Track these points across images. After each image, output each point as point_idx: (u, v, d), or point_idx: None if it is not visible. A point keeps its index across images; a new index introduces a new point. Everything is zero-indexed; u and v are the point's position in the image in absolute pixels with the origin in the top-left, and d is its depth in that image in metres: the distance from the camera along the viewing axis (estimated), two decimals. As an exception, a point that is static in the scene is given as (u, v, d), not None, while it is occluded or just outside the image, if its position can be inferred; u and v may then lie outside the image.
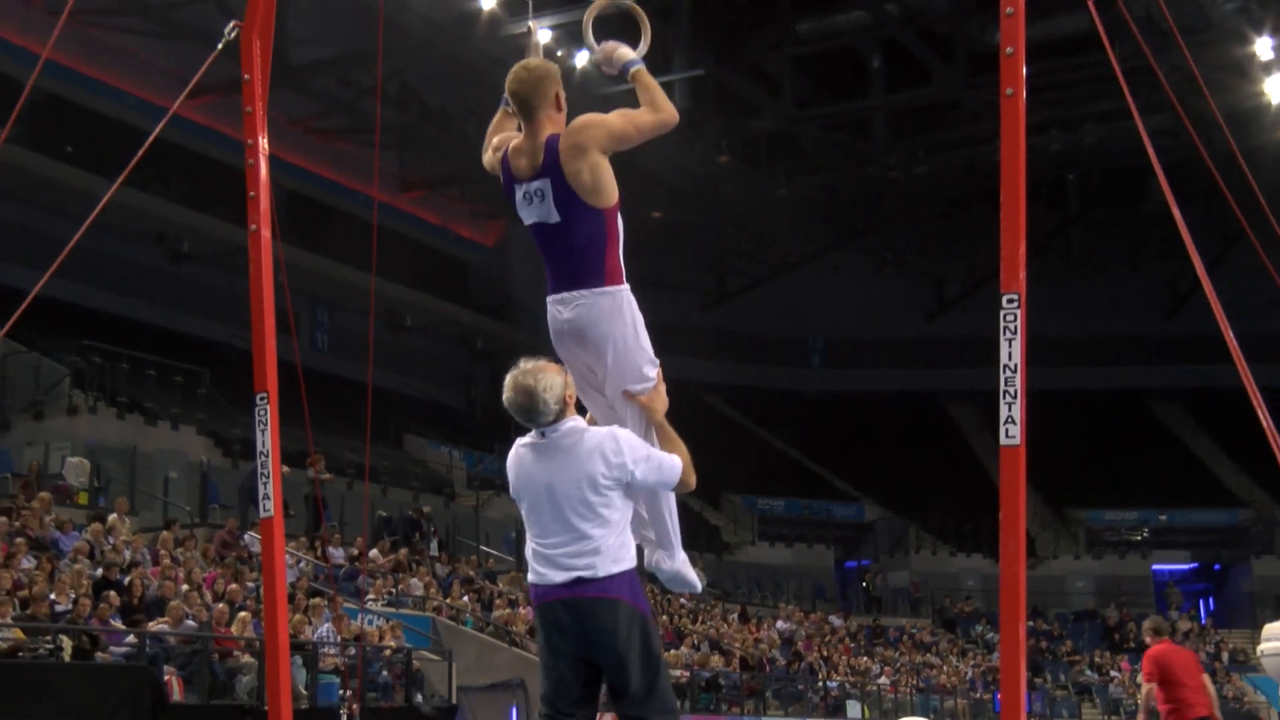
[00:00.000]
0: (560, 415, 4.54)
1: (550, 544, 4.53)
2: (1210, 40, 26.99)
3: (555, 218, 4.71)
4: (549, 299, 4.83)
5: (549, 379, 4.51)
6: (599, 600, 4.43)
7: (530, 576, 4.64)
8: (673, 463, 4.62)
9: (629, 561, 4.52)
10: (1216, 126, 25.08)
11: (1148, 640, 12.11)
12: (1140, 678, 11.70)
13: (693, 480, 4.71)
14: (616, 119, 4.76)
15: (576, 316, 4.73)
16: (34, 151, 26.84)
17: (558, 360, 4.71)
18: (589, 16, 5.31)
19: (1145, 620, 13.15)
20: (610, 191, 4.73)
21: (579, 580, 4.45)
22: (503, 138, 4.99)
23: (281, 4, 6.50)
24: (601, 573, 4.44)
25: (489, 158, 5.05)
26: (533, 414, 4.52)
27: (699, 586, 5.08)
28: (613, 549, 4.47)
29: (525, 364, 4.56)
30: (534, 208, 4.75)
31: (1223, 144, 22.77)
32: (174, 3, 27.30)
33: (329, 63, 29.55)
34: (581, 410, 4.81)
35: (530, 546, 4.62)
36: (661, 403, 4.81)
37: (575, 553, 4.47)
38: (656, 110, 4.82)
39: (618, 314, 4.74)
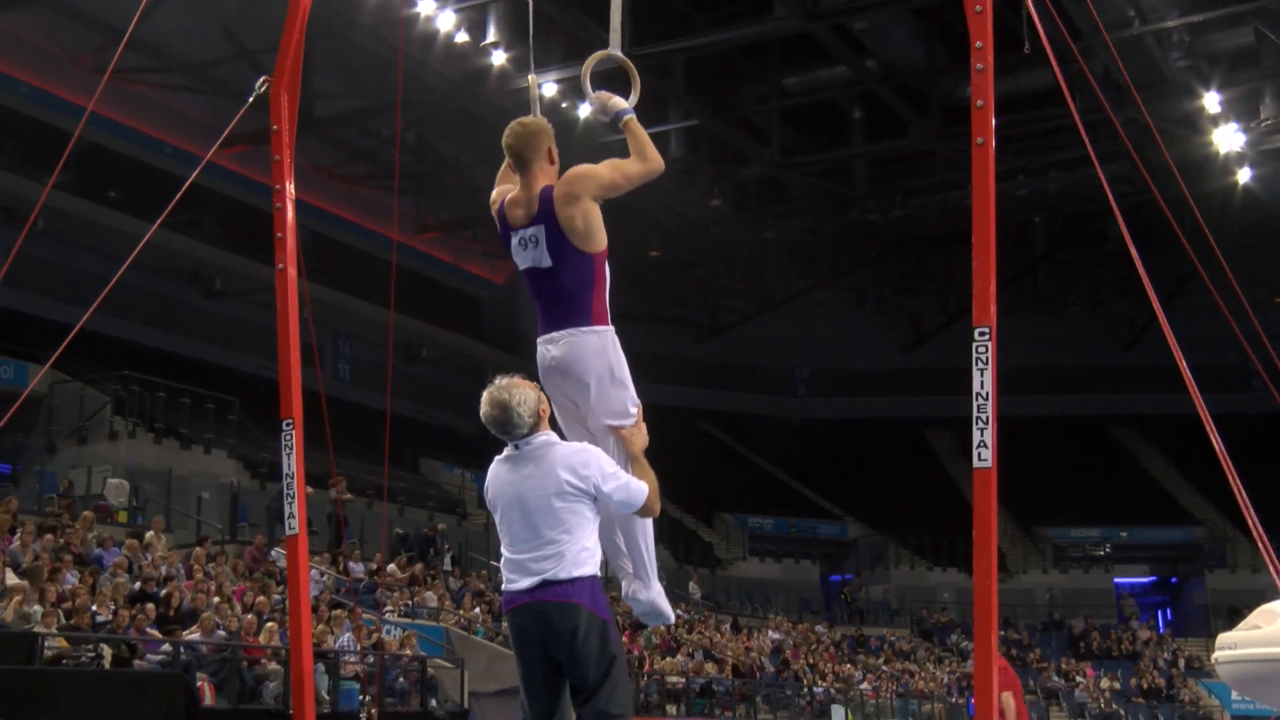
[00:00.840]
0: (533, 429, 4.49)
1: (519, 551, 4.47)
2: (1163, 95, 27.07)
3: (547, 262, 4.70)
4: (539, 340, 4.81)
5: (522, 394, 4.47)
6: (561, 605, 4.36)
7: (503, 585, 4.59)
8: (640, 486, 4.55)
9: (592, 568, 4.45)
10: (1170, 174, 25.01)
11: None
12: (1001, 688, 11.88)
13: (657, 507, 4.65)
14: (606, 169, 4.76)
15: (564, 354, 4.71)
16: (80, 197, 26.91)
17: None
18: (586, 68, 5.35)
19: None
20: (600, 237, 4.71)
21: (543, 584, 4.38)
22: (500, 190, 4.97)
23: (308, 60, 6.54)
24: (563, 575, 4.36)
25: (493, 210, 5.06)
26: (507, 427, 4.48)
27: (671, 618, 4.99)
28: (576, 555, 4.39)
29: (500, 380, 4.52)
30: (528, 253, 4.74)
31: (1176, 190, 22.77)
32: (208, 60, 27.38)
33: (351, 114, 29.63)
34: (557, 429, 4.75)
35: (502, 555, 4.56)
36: (641, 438, 4.76)
37: (540, 558, 4.40)
38: (644, 160, 4.81)
39: (602, 352, 4.72)
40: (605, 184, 4.73)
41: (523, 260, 4.78)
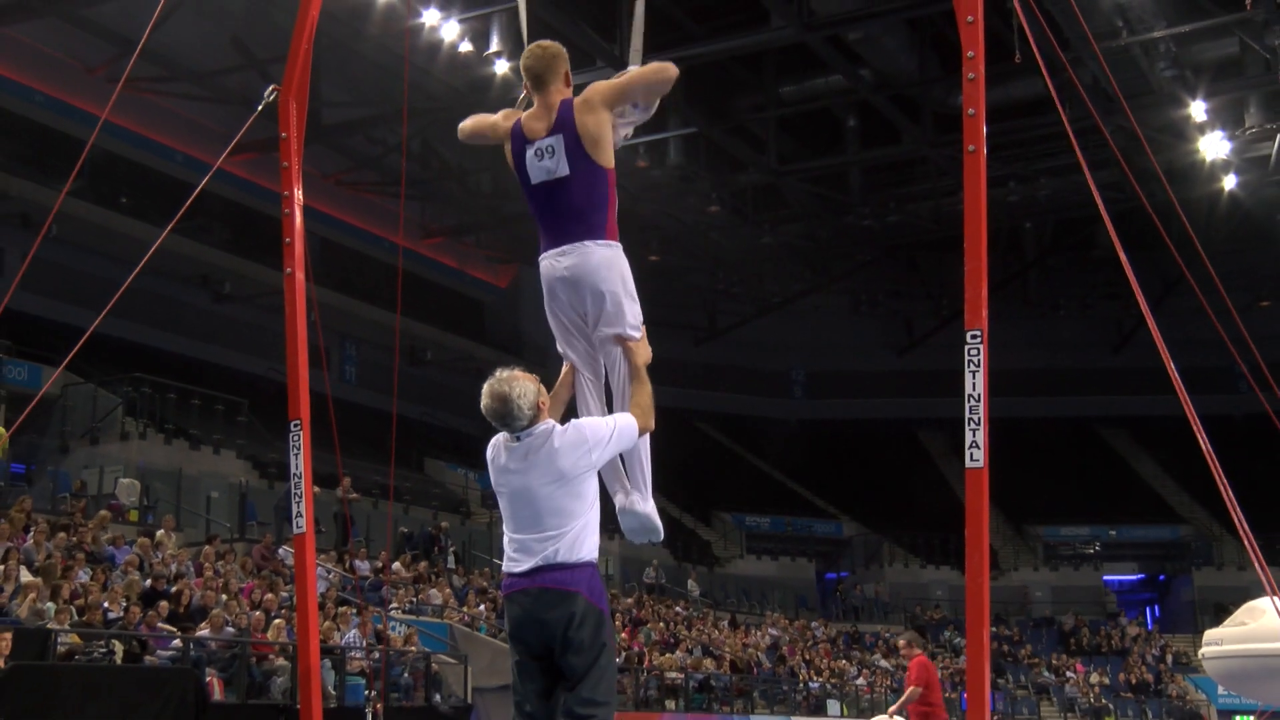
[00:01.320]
0: (533, 420, 4.50)
1: (523, 534, 4.49)
2: (1150, 104, 27.07)
3: (564, 170, 4.74)
4: (544, 256, 4.82)
5: (523, 386, 4.48)
6: (559, 592, 4.38)
7: (504, 565, 4.60)
8: (629, 423, 4.61)
9: (591, 551, 4.48)
10: (1157, 180, 25.18)
11: (904, 651, 12.36)
12: (908, 681, 12.50)
13: (652, 422, 4.71)
14: (619, 77, 4.90)
15: (578, 263, 4.74)
16: (93, 203, 26.91)
17: (531, 371, 4.67)
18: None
19: (903, 634, 13.37)
20: (611, 153, 4.80)
21: (546, 565, 4.40)
22: (505, 113, 5.06)
23: (315, 69, 6.56)
24: (564, 559, 4.39)
25: (479, 122, 5.11)
26: (508, 419, 4.49)
27: (661, 534, 4.99)
28: (578, 535, 4.43)
29: (501, 373, 4.53)
30: (543, 164, 4.78)
31: (1163, 196, 22.85)
32: (218, 69, 27.38)
33: (358, 122, 29.65)
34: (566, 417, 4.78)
35: (506, 536, 4.58)
36: (645, 351, 4.81)
37: (544, 539, 4.43)
38: (658, 70, 4.98)
39: (615, 265, 4.77)
40: (619, 89, 4.85)
41: (536, 173, 4.81)
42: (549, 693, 4.47)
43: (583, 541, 4.44)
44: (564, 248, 4.76)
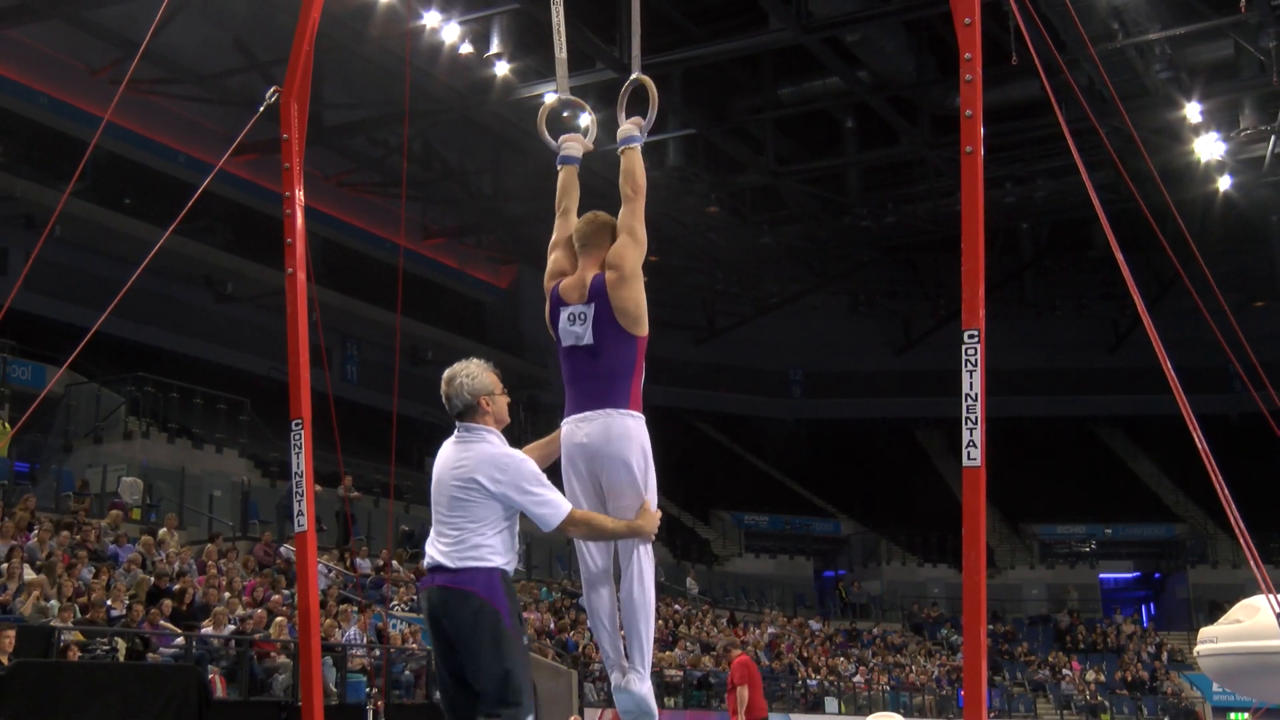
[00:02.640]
0: (471, 411, 4.48)
1: (433, 533, 4.47)
2: (1146, 105, 27.08)
3: (589, 340, 4.69)
4: (567, 420, 4.74)
5: (473, 371, 4.48)
6: (454, 591, 4.33)
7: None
8: (558, 509, 4.44)
9: (492, 563, 4.38)
10: (1152, 182, 25.10)
11: (725, 655, 12.98)
12: (739, 682, 13.32)
13: (576, 532, 4.56)
14: (629, 237, 4.79)
15: (600, 432, 4.64)
16: (96, 204, 26.87)
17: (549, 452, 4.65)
18: (622, 98, 5.41)
19: (722, 638, 14.01)
20: (646, 321, 4.73)
21: (439, 568, 4.36)
22: (555, 267, 4.96)
23: (317, 71, 6.56)
24: (454, 564, 4.33)
25: (558, 263, 5.00)
26: (448, 399, 4.52)
27: (655, 716, 4.84)
28: (473, 547, 4.35)
29: (470, 359, 4.55)
30: (574, 329, 4.73)
31: (1158, 197, 22.81)
32: (221, 71, 27.37)
33: (359, 124, 29.64)
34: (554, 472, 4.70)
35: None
36: (653, 521, 4.66)
37: (441, 541, 4.40)
38: (636, 191, 4.87)
39: (637, 436, 4.67)
40: (639, 247, 4.78)
41: (567, 337, 4.77)
42: (464, 692, 4.42)
43: (480, 555, 4.35)
44: (586, 414, 4.68)
